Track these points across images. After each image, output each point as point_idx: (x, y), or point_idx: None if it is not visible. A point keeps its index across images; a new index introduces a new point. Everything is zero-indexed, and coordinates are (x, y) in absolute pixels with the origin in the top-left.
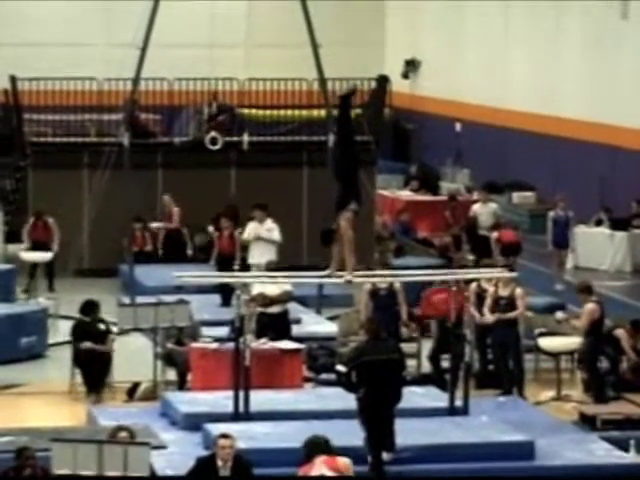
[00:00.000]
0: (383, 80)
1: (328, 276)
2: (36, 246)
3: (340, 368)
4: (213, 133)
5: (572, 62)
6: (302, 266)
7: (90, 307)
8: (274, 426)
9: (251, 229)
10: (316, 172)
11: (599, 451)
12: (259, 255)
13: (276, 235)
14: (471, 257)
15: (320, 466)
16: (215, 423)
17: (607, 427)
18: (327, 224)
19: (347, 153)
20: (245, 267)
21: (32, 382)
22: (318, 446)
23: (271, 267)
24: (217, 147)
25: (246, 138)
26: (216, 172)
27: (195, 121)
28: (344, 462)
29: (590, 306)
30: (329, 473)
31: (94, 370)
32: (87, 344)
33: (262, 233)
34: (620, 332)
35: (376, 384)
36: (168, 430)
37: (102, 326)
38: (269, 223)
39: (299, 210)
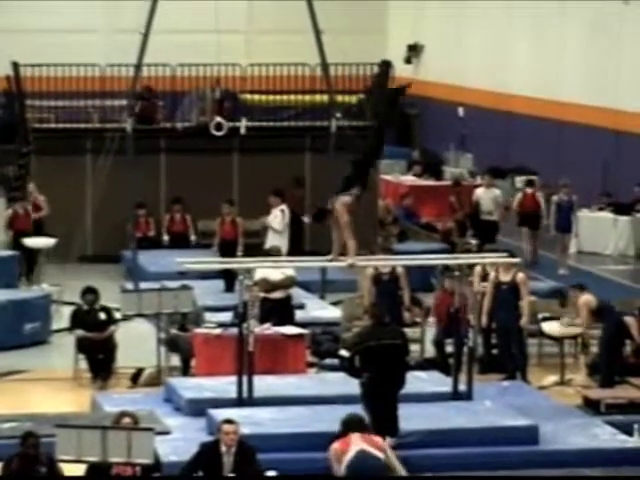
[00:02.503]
0: (386, 65)
1: (330, 261)
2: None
3: (344, 353)
4: (218, 119)
5: (575, 46)
6: (305, 251)
7: (88, 294)
8: (278, 411)
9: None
10: (319, 157)
11: (603, 435)
12: (269, 242)
13: (276, 224)
14: (474, 242)
15: (357, 441)
16: (219, 409)
17: (611, 411)
18: (324, 204)
19: (375, 146)
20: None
21: (36, 368)
22: (353, 424)
23: (274, 253)
24: (222, 133)
25: (244, 123)
26: (219, 157)
27: (198, 107)
28: (379, 439)
29: (584, 297)
30: (367, 447)
31: (98, 357)
32: (79, 332)
33: (267, 221)
34: (629, 319)
35: (380, 369)
36: (172, 416)
37: (103, 315)
38: (276, 211)
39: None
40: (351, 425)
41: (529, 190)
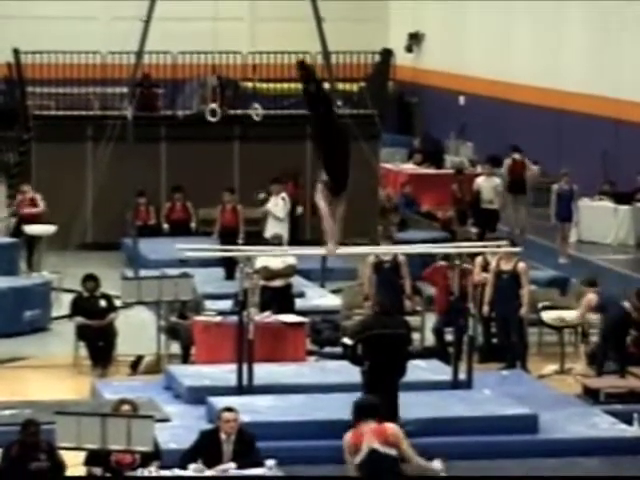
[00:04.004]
0: (387, 54)
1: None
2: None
3: (346, 341)
4: (213, 105)
5: (575, 35)
6: (305, 240)
7: (88, 281)
8: (277, 399)
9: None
10: None
11: (602, 424)
12: (270, 229)
13: (279, 211)
14: (475, 230)
15: (369, 437)
16: (219, 396)
17: (610, 400)
18: None
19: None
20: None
21: (36, 355)
22: (365, 410)
23: (275, 241)
24: (215, 119)
25: (259, 111)
26: (219, 145)
27: (199, 95)
28: (392, 430)
29: (587, 297)
30: (378, 446)
31: (98, 344)
32: (79, 319)
33: (269, 208)
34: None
35: (381, 358)
36: (172, 403)
37: (103, 302)
38: (278, 199)
39: (302, 183)
40: (362, 411)
41: (517, 156)
